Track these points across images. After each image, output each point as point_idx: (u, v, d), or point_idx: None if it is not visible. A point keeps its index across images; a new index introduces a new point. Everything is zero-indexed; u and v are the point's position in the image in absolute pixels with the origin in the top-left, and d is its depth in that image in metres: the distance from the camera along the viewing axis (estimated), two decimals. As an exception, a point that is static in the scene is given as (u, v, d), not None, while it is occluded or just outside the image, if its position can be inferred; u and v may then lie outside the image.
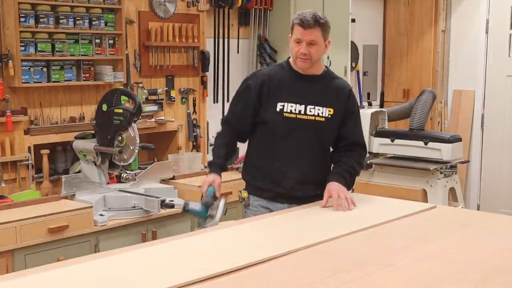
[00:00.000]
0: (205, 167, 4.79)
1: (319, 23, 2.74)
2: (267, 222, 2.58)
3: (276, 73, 2.89)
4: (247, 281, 1.91)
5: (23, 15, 3.76)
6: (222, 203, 2.67)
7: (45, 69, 3.92)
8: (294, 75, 2.86)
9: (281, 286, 1.88)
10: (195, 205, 2.69)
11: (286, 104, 2.81)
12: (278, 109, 2.80)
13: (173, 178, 4.33)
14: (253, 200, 2.91)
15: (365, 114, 4.96)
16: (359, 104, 6.27)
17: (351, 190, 2.99)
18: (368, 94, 6.20)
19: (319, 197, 2.86)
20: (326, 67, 2.96)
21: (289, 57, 2.91)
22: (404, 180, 4.68)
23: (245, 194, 2.92)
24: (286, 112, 2.80)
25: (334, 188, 2.78)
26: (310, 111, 2.81)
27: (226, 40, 5.18)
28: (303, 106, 2.81)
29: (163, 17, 4.62)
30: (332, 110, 2.84)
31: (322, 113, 2.83)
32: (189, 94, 4.86)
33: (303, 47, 2.75)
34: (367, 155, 4.85)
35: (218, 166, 2.87)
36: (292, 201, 2.84)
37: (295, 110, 2.81)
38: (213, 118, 5.13)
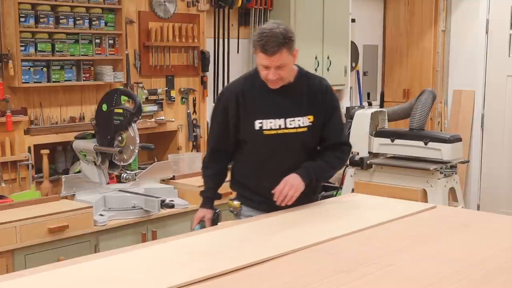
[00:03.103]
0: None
1: (283, 44, 2.53)
2: (267, 222, 2.58)
3: (249, 87, 2.73)
4: (247, 281, 1.91)
5: (23, 15, 3.76)
6: None
7: (45, 69, 3.91)
8: (267, 88, 2.69)
9: (281, 286, 1.88)
10: None
11: (264, 121, 2.68)
12: (257, 128, 2.69)
13: (173, 178, 4.33)
14: (246, 210, 2.82)
15: (365, 114, 4.96)
16: (359, 104, 6.33)
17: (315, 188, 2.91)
18: (368, 94, 6.20)
19: (314, 200, 2.86)
20: (298, 67, 2.78)
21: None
22: (404, 180, 4.67)
23: (237, 204, 2.82)
24: (266, 130, 2.69)
25: (287, 179, 2.66)
26: (290, 124, 2.70)
27: (226, 40, 5.18)
28: (282, 120, 2.69)
29: (163, 17, 4.62)
30: (311, 117, 2.73)
31: (302, 123, 2.71)
32: (189, 94, 4.85)
33: (272, 73, 2.59)
34: (367, 155, 4.89)
35: (208, 199, 2.83)
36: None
37: (274, 125, 2.69)
38: (213, 118, 5.13)
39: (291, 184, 2.65)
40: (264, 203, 2.75)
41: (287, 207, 2.70)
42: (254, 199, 2.81)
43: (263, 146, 2.72)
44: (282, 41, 2.52)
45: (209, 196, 2.85)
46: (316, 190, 2.95)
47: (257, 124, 2.69)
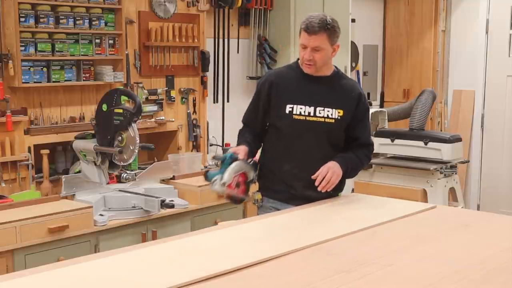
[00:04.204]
0: (205, 167, 4.79)
1: (325, 29, 2.70)
2: (267, 222, 2.59)
3: (285, 74, 2.89)
4: (247, 281, 1.91)
5: (23, 15, 3.76)
6: (236, 162, 2.68)
7: (45, 69, 3.91)
8: (303, 76, 2.84)
9: (282, 286, 1.88)
10: (215, 171, 2.73)
11: (295, 106, 2.81)
12: (287, 111, 2.81)
13: (173, 178, 4.33)
14: (267, 201, 2.92)
15: (365, 114, 4.95)
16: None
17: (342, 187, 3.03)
18: (368, 94, 6.19)
19: (332, 196, 2.92)
20: (336, 67, 2.94)
21: (299, 58, 2.90)
22: (404, 180, 4.68)
23: (258, 195, 2.93)
24: (296, 114, 2.81)
25: (328, 165, 2.79)
26: (319, 113, 2.81)
27: (226, 40, 5.18)
28: (312, 108, 2.81)
29: (163, 17, 4.62)
30: (341, 111, 2.84)
31: (331, 114, 2.82)
32: (189, 94, 4.86)
33: (308, 53, 2.75)
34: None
35: (245, 142, 2.88)
36: (305, 202, 2.83)
37: (304, 112, 2.81)
38: (213, 118, 5.13)
39: (333, 171, 2.77)
40: (285, 192, 2.86)
41: (306, 201, 2.82)
42: (276, 189, 2.89)
43: (291, 129, 2.82)
44: (325, 25, 2.70)
45: (246, 141, 2.88)
46: (342, 184, 3.00)
47: (288, 108, 2.81)
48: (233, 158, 2.71)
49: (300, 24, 2.78)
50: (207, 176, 2.73)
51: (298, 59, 2.90)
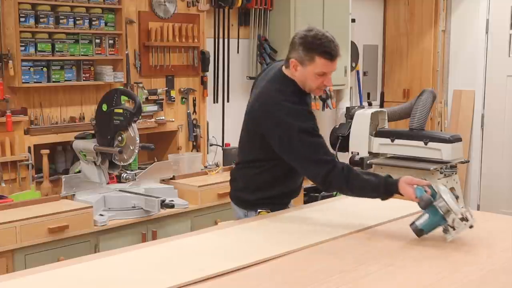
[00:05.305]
0: (205, 167, 4.79)
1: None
2: (267, 222, 2.59)
3: (299, 100, 2.61)
4: (247, 281, 1.91)
5: (23, 15, 3.76)
6: (441, 188, 2.37)
7: (45, 69, 3.91)
8: (301, 95, 2.64)
9: (281, 286, 1.88)
10: (423, 219, 2.35)
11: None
12: None
13: (173, 178, 4.32)
14: None
15: (365, 114, 4.95)
16: (359, 104, 6.34)
17: None
18: (368, 94, 6.19)
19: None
20: None
21: (282, 66, 2.68)
22: (404, 180, 4.66)
23: (270, 211, 2.72)
24: None
25: None
26: None
27: (226, 40, 5.18)
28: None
29: (163, 17, 4.62)
30: None
31: None
32: (189, 94, 4.85)
33: (328, 79, 2.56)
34: (367, 155, 4.88)
35: (381, 176, 2.57)
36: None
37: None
38: (213, 118, 5.13)
39: None
40: (287, 204, 2.84)
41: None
42: (284, 201, 2.80)
43: None
44: (337, 44, 2.52)
45: (379, 175, 2.58)
46: None
47: None
48: (430, 199, 2.35)
49: (302, 47, 2.51)
50: (423, 231, 2.34)
51: (282, 71, 2.66)
